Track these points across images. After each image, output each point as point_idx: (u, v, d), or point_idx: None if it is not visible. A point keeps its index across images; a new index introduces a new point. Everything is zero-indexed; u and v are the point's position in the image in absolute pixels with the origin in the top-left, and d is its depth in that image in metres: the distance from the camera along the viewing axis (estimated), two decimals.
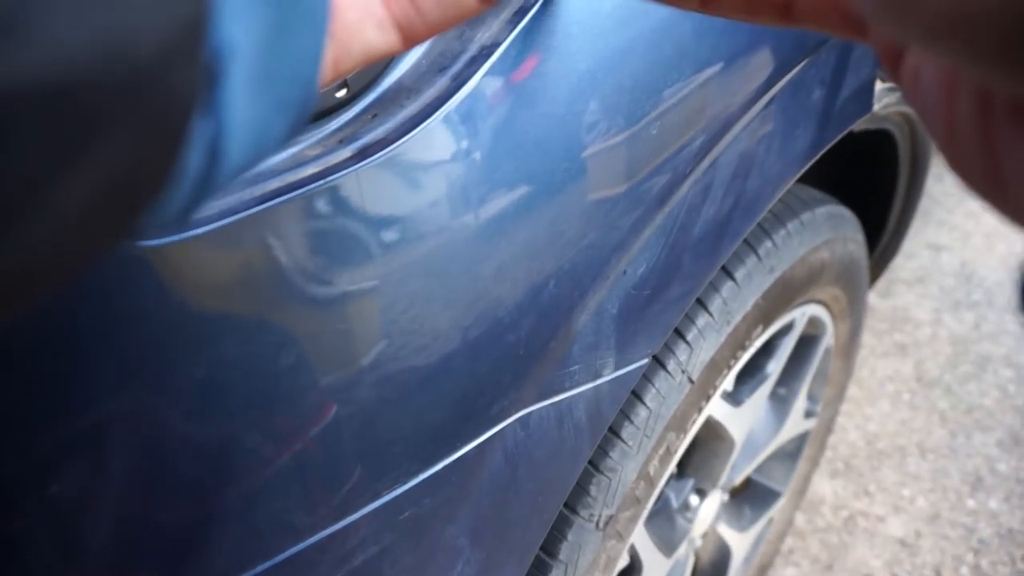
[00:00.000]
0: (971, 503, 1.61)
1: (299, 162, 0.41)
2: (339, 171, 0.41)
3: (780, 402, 1.20)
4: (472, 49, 0.47)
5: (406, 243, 0.46)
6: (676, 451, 0.89)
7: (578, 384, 0.65)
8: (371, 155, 0.41)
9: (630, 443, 0.80)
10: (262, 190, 0.39)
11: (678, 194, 0.67)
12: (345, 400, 0.48)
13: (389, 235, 0.45)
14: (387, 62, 0.45)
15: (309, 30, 0.19)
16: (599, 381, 0.67)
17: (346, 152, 0.41)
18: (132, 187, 0.17)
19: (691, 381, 0.84)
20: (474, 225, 0.49)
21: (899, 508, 1.61)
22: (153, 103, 0.16)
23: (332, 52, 0.23)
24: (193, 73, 0.17)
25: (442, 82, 0.45)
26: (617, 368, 0.69)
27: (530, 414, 0.62)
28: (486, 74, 0.46)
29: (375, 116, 0.43)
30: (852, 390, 1.83)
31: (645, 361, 0.72)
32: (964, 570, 1.50)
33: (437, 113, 0.44)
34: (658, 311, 0.71)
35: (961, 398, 1.80)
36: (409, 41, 0.24)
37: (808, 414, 1.28)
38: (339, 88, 0.42)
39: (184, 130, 0.17)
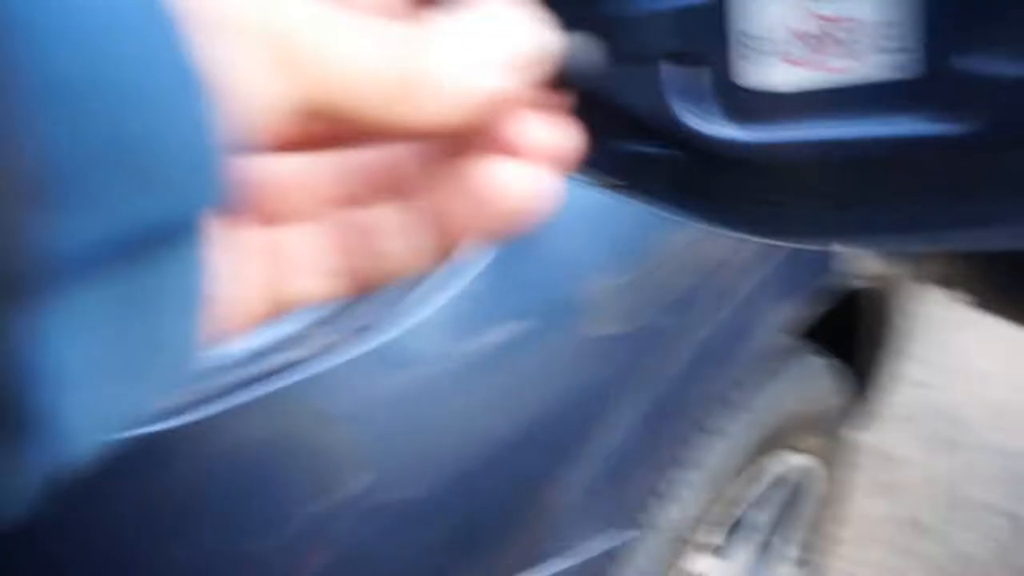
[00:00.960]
0: None
1: (282, 347, 0.42)
2: (324, 355, 0.42)
3: (769, 553, 1.18)
4: None
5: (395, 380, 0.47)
6: None
7: (563, 552, 0.64)
8: (358, 343, 0.43)
9: None
10: (248, 372, 0.40)
11: (662, 344, 0.69)
12: (323, 549, 0.48)
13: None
14: None
15: (175, 315, 0.16)
16: (587, 546, 0.66)
17: (333, 336, 0.43)
18: None
19: (677, 539, 0.83)
20: (461, 363, 0.50)
21: None
22: None
23: (259, 298, 0.20)
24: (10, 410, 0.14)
25: None
26: (605, 533, 0.68)
27: None
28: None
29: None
30: (845, 532, 1.79)
31: (634, 531, 0.71)
32: None
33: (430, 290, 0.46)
34: (642, 474, 0.70)
35: (955, 546, 1.76)
36: (361, 289, 0.22)
37: (799, 563, 1.25)
38: None
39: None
